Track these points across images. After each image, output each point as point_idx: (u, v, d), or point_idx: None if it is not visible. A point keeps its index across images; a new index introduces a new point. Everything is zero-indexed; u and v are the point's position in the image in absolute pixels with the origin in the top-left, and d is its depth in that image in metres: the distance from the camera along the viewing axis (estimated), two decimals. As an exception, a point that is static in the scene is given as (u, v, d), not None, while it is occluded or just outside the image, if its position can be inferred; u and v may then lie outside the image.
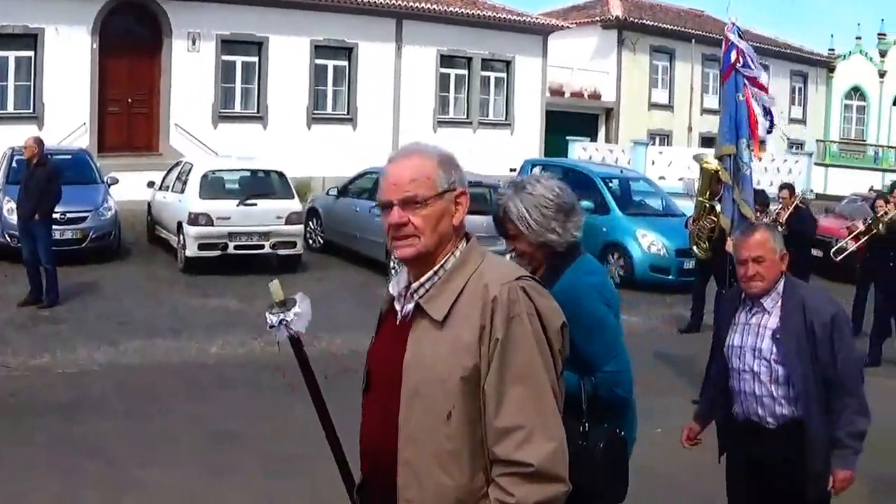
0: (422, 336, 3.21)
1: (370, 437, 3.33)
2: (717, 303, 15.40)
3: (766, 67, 12.59)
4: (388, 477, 3.19)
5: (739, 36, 11.49)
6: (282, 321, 3.82)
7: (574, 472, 3.71)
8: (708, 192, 12.25)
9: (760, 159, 13.10)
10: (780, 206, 16.39)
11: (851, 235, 15.79)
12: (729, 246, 10.56)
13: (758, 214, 11.90)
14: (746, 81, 11.33)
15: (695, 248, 12.67)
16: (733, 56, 11.29)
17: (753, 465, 5.31)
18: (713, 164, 11.91)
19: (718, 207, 11.81)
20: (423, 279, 3.28)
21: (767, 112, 11.55)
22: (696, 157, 13.58)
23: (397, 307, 3.37)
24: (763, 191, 13.33)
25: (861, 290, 15.60)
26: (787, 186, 16.72)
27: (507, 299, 3.12)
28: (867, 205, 20.49)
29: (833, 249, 16.71)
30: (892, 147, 49.94)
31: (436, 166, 3.29)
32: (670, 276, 18.80)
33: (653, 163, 30.02)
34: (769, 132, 11.96)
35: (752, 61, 11.47)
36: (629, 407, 4.67)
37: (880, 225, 14.05)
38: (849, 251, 16.00)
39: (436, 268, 3.28)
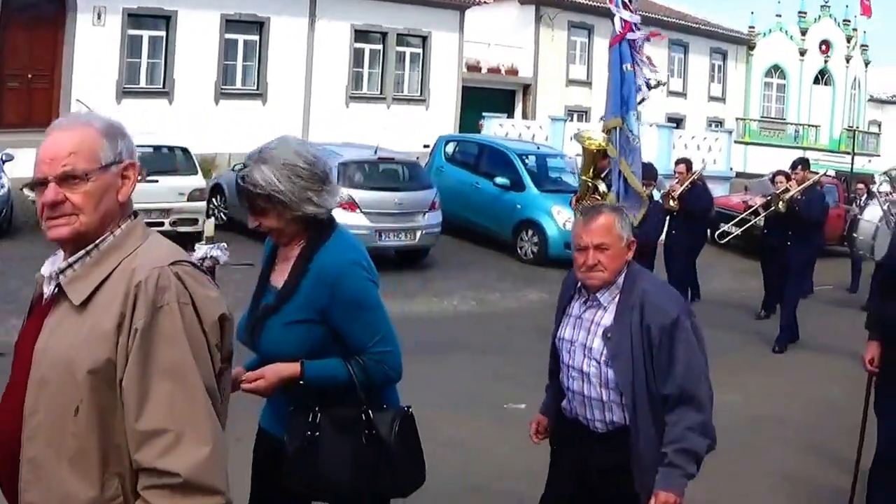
0: (60, 321, 2.90)
1: None
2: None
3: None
4: (12, 475, 2.85)
5: (625, 6, 11.40)
6: (209, 255, 4.02)
7: (370, 467, 3.95)
8: (592, 170, 11.76)
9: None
10: (676, 180, 16.21)
11: (750, 211, 16.27)
12: None
13: (646, 188, 11.76)
14: (633, 51, 11.28)
15: None
16: (618, 26, 11.36)
17: (579, 467, 4.88)
18: (596, 140, 11.59)
19: (602, 187, 11.51)
20: (70, 259, 2.94)
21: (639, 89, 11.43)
22: (577, 136, 13.42)
23: (45, 290, 3.04)
24: (651, 164, 13.04)
25: (766, 266, 15.78)
26: (684, 161, 16.55)
27: (154, 286, 2.81)
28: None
29: (718, 232, 17.16)
30: (812, 125, 50.66)
31: (99, 136, 2.94)
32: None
33: (571, 139, 29.90)
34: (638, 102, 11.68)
35: (635, 28, 11.48)
36: (394, 386, 4.51)
37: (780, 202, 13.98)
38: (732, 235, 16.61)
39: (88, 248, 2.94)
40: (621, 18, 11.41)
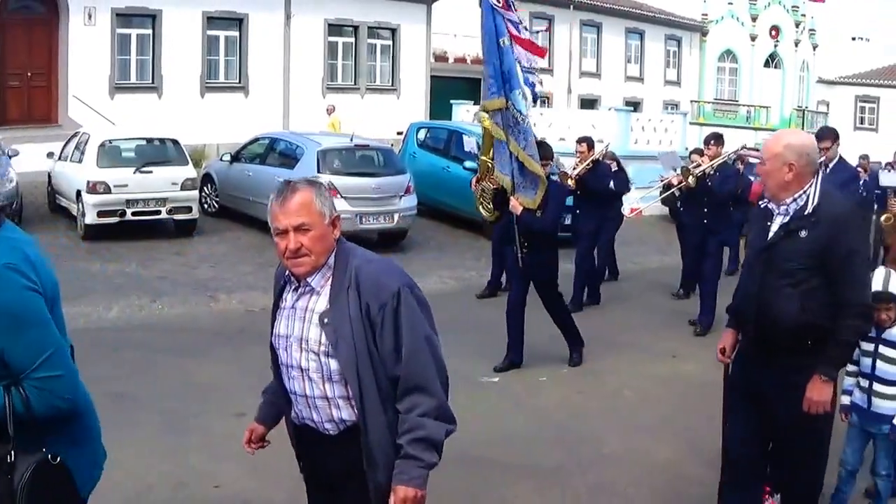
0: None
1: None
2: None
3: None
4: None
5: None
6: None
7: None
8: (491, 151, 10.90)
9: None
10: (578, 159, 15.26)
11: (662, 185, 15.68)
12: (514, 205, 10.68)
13: (544, 167, 10.84)
14: (510, 26, 10.46)
15: (481, 209, 11.60)
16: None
17: (323, 479, 4.43)
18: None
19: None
20: None
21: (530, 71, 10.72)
22: (477, 115, 13.07)
23: None
24: (545, 142, 11.96)
25: (683, 245, 15.12)
26: (585, 140, 15.46)
27: None
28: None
29: (623, 208, 16.14)
30: (763, 106, 52.13)
31: None
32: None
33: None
34: (535, 99, 11.09)
35: (512, 5, 10.64)
36: (82, 422, 3.76)
37: (690, 178, 13.56)
38: (638, 210, 15.89)
39: None
40: None
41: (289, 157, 19.59)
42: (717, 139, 13.92)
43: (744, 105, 53.25)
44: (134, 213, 17.99)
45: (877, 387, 6.75)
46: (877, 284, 6.59)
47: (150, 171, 18.23)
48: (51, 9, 27.60)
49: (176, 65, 29.92)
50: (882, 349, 6.71)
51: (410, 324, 4.07)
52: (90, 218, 17.77)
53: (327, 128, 27.97)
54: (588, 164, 14.99)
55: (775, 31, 53.86)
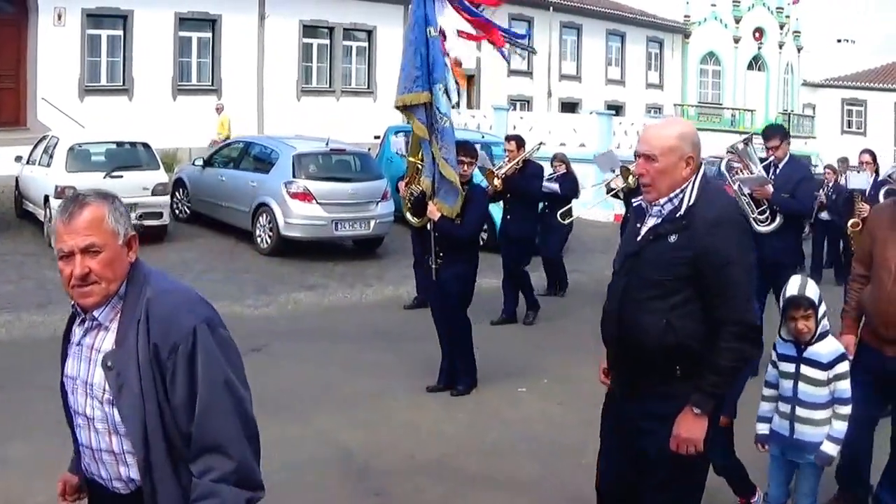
0: None
1: None
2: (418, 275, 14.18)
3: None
4: None
5: None
6: None
7: None
8: (421, 152, 10.28)
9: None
10: (506, 158, 14.40)
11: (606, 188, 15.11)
12: (431, 211, 9.92)
13: (465, 170, 10.16)
14: (457, 14, 9.98)
15: (408, 214, 11.00)
16: None
17: None
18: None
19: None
20: None
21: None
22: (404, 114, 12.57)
23: None
24: (467, 142, 11.35)
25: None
26: (514, 138, 14.50)
27: None
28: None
29: (560, 211, 15.26)
30: (748, 109, 51.75)
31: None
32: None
33: (514, 127, 30.24)
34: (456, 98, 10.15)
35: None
36: None
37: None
38: (574, 217, 15.27)
39: None
40: None
41: (263, 162, 19.34)
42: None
43: (728, 108, 52.95)
44: (102, 219, 17.41)
45: (800, 411, 6.05)
46: (792, 289, 6.01)
47: (121, 176, 17.88)
48: (20, 9, 27.26)
49: (147, 66, 29.63)
50: (804, 369, 6.04)
51: (207, 370, 3.41)
52: (58, 224, 17.19)
53: (217, 128, 27.75)
54: (517, 164, 13.99)
55: (759, 33, 53.52)
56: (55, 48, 27.48)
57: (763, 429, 6.30)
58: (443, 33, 9.85)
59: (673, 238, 4.74)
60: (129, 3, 29.03)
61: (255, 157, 19.88)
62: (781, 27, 54.25)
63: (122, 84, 29.44)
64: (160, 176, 18.63)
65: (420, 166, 10.24)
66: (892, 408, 7.00)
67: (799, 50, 56.52)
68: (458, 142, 10.23)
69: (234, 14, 31.75)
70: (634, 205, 5.15)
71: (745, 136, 11.29)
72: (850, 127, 59.09)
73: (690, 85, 53.93)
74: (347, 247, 18.62)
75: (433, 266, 10.14)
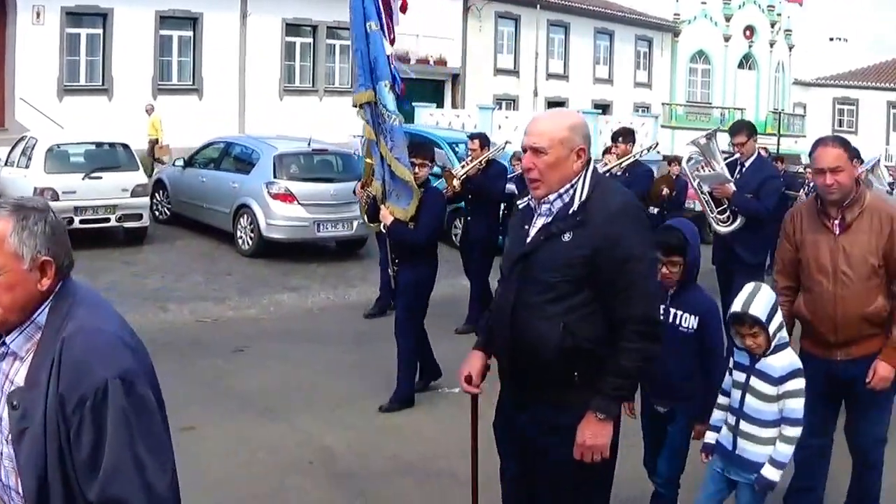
0: None
1: None
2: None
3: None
4: None
5: None
6: None
7: None
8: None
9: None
10: (469, 157, 14.02)
11: None
12: (384, 215, 9.51)
13: (417, 172, 9.52)
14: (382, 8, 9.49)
15: (365, 218, 10.52)
16: None
17: None
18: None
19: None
20: None
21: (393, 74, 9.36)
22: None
23: None
24: (423, 143, 11.14)
25: None
26: (478, 136, 14.03)
27: None
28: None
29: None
30: (737, 108, 51.53)
31: None
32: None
33: (499, 127, 30.44)
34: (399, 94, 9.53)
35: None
36: None
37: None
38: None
39: None
40: None
41: (244, 162, 19.10)
42: (627, 135, 13.18)
43: (717, 107, 52.85)
44: (82, 221, 17.32)
45: (744, 426, 5.50)
46: (737, 305, 5.42)
47: (100, 177, 17.71)
48: (-2, 7, 26.96)
49: (127, 66, 29.35)
50: (753, 381, 5.46)
51: (116, 431, 2.91)
52: (36, 226, 16.91)
53: (148, 129, 27.40)
54: (479, 164, 13.45)
55: (750, 31, 53.56)
56: (34, 47, 27.20)
57: (711, 438, 5.78)
58: (387, 24, 9.55)
59: (567, 237, 4.49)
60: (109, 2, 28.78)
61: (235, 157, 19.64)
62: (773, 25, 54.35)
63: (101, 84, 29.20)
64: (140, 177, 18.44)
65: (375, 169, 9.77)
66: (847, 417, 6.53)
67: (790, 48, 56.66)
68: (413, 142, 10.03)
69: (215, 12, 31.48)
70: (521, 206, 4.87)
71: (708, 132, 10.86)
72: (841, 126, 59.07)
73: (679, 84, 53.89)
74: (330, 248, 18.48)
75: (391, 273, 9.88)
